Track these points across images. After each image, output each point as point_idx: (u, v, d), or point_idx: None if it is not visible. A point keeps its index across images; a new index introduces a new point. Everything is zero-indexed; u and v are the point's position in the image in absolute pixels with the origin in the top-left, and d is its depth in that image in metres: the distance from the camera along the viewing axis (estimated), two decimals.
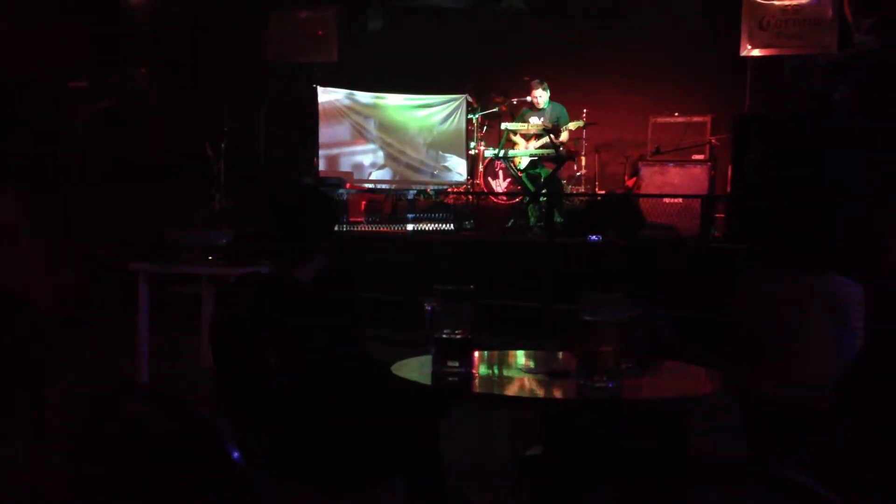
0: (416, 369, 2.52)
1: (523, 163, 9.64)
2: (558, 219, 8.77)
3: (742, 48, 9.46)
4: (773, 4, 9.42)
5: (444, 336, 2.40)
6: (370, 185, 10.54)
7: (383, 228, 9.35)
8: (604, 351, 2.23)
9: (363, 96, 10.67)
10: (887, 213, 3.51)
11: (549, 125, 9.50)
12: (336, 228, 3.39)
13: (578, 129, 9.91)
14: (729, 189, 8.69)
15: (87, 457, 1.60)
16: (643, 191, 9.11)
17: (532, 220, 9.24)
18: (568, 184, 9.99)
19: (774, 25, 9.38)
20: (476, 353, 2.67)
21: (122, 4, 10.77)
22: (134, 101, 10.59)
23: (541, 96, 9.69)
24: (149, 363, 5.76)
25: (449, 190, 10.44)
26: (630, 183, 9.78)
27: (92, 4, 10.51)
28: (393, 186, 10.52)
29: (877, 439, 2.57)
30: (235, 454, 1.43)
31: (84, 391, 1.73)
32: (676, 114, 9.82)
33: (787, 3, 9.36)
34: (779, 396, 3.06)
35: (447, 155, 10.62)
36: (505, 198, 10.17)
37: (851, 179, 6.46)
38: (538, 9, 10.82)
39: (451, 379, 2.40)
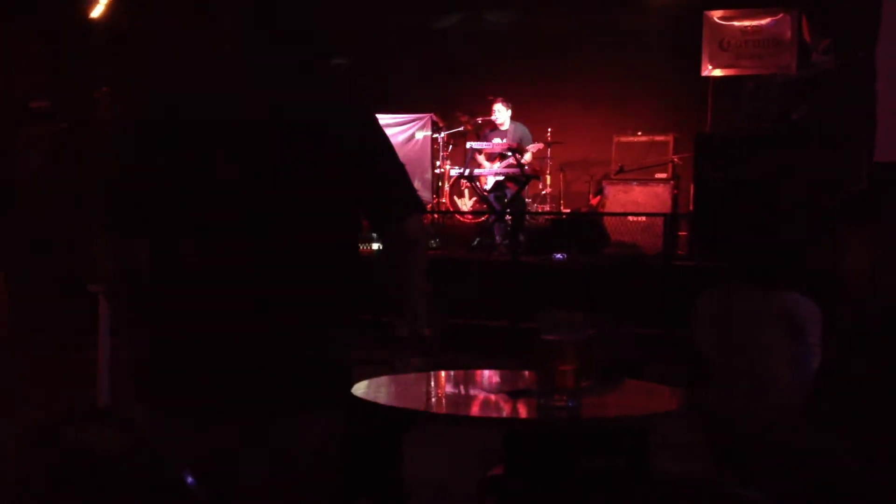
0: (377, 390, 2.51)
1: (488, 182, 9.66)
2: (522, 238, 8.79)
3: (703, 68, 9.60)
4: (732, 26, 9.58)
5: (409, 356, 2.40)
6: None
7: None
8: (564, 369, 2.24)
9: None
10: (846, 230, 3.56)
11: (514, 144, 9.53)
12: None
13: (543, 148, 9.96)
14: (692, 207, 8.78)
15: (39, 483, 1.57)
16: (608, 209, 9.17)
17: (497, 238, 9.25)
18: (533, 202, 10.02)
19: (734, 46, 9.54)
20: (441, 373, 2.66)
21: (82, 22, 10.66)
22: (95, 120, 10.46)
23: (500, 112, 9.65)
24: (109, 385, 5.68)
25: None
26: (594, 201, 9.83)
27: (52, 22, 10.40)
28: None
29: (836, 453, 2.60)
30: (189, 479, 1.42)
31: (43, 415, 1.71)
32: (639, 133, 9.92)
33: (746, 24, 9.52)
34: (738, 413, 3.08)
35: (412, 173, 10.57)
36: (471, 216, 10.19)
37: (809, 198, 6.55)
38: (505, 29, 10.89)
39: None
